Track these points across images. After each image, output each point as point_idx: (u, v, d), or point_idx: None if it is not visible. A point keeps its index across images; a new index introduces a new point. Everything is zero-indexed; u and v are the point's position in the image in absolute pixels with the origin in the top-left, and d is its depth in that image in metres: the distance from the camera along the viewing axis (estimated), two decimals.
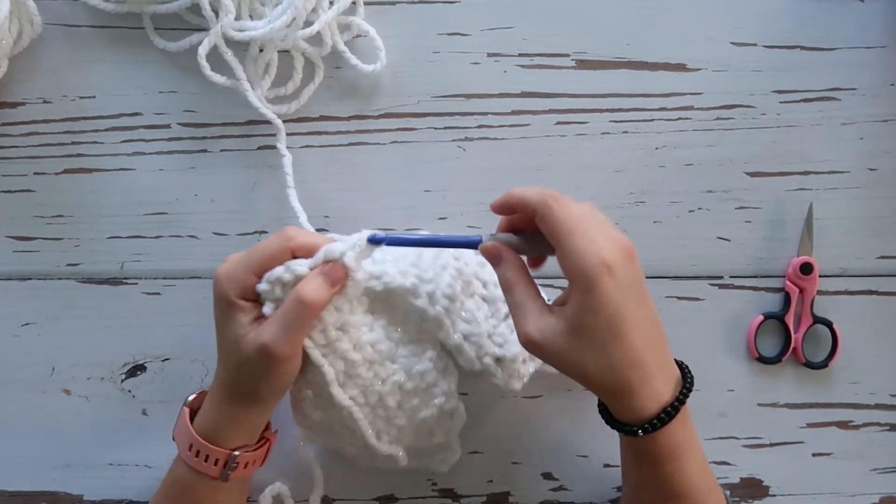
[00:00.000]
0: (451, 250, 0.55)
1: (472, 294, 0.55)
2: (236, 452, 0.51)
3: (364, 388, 0.52)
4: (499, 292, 0.52)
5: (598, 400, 0.50)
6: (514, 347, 0.54)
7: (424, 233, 0.58)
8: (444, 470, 0.58)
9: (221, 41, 0.55)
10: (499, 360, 0.54)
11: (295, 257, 0.49)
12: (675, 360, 0.50)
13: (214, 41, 0.55)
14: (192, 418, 0.52)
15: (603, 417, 0.50)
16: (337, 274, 0.49)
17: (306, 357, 0.50)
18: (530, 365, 0.55)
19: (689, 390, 0.48)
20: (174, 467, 0.53)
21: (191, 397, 0.53)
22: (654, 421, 0.47)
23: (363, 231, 0.49)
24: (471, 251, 0.55)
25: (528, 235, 0.50)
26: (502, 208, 0.50)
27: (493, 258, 0.50)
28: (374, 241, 0.49)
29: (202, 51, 0.55)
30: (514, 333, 0.48)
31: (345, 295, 0.50)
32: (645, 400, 0.47)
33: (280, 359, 0.48)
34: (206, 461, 0.50)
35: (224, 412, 0.50)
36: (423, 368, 0.54)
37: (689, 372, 0.49)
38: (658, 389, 0.47)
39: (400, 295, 0.53)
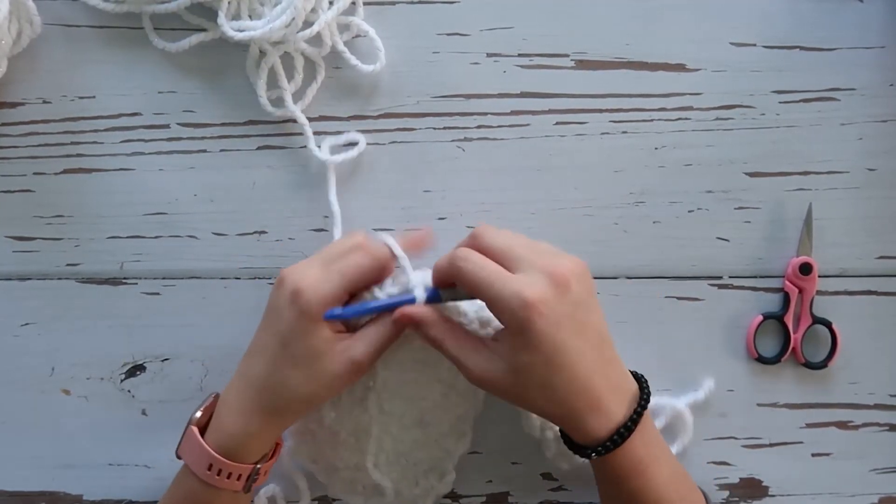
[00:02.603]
0: None
1: None
2: (259, 466, 0.51)
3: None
4: None
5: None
6: None
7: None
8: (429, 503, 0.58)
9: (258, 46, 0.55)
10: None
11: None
12: (634, 373, 0.50)
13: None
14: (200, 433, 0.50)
15: (563, 441, 0.50)
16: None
17: None
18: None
19: (644, 407, 0.48)
20: (185, 482, 0.51)
21: (197, 414, 0.51)
22: (608, 443, 0.47)
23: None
24: None
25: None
26: (443, 282, 0.50)
27: (410, 324, 0.49)
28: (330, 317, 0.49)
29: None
30: None
31: None
32: (596, 423, 0.47)
33: (363, 372, 0.50)
34: (228, 478, 0.49)
35: (254, 427, 0.49)
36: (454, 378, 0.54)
37: (646, 386, 0.49)
38: (610, 411, 0.47)
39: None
